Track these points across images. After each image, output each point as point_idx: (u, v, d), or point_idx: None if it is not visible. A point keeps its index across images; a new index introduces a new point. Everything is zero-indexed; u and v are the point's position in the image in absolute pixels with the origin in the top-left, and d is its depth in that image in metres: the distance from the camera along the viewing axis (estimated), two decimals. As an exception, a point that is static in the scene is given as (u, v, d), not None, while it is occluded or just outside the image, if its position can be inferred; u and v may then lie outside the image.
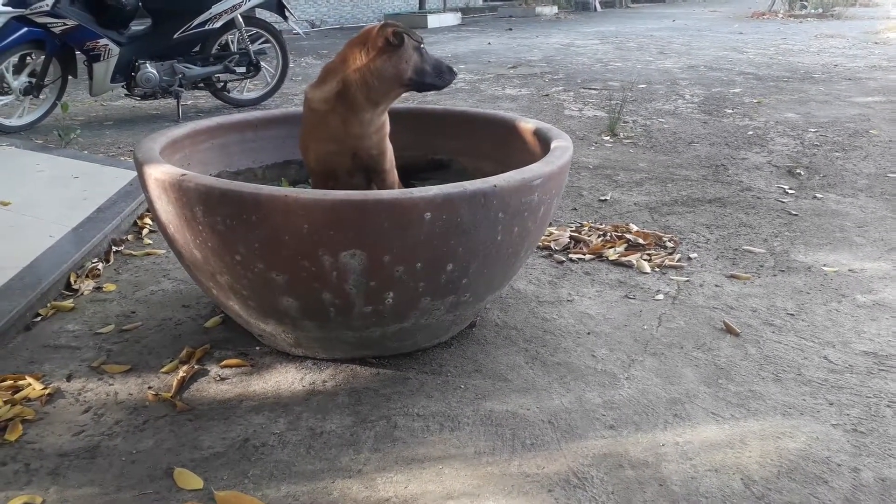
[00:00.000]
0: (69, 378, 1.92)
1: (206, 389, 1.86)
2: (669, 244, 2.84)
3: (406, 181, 2.66)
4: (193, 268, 1.88)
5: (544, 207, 1.90)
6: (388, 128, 2.17)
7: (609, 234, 2.92)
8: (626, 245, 2.81)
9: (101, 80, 5.19)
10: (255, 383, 1.89)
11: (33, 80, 5.05)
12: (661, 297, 2.40)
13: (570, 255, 2.74)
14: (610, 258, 2.71)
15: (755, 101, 5.97)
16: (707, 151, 4.39)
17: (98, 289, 2.46)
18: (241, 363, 1.98)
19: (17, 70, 5.02)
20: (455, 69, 2.08)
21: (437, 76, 2.03)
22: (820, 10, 15.94)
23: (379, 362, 1.97)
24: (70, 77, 5.25)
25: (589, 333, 2.15)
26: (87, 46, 5.03)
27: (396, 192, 1.64)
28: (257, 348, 2.06)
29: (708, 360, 2.01)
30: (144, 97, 5.39)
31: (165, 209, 1.78)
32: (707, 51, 9.47)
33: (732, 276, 2.56)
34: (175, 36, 5.34)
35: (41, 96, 5.16)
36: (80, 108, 5.85)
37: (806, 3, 16.52)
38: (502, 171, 2.55)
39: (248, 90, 6.08)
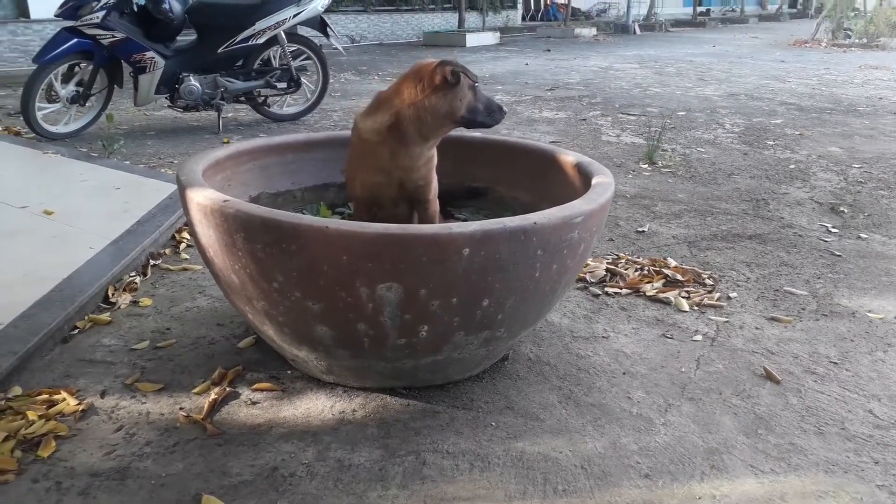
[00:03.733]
0: (103, 395, 1.93)
1: (237, 413, 1.86)
2: (708, 282, 2.79)
3: (442, 208, 2.66)
4: (230, 291, 1.89)
5: (584, 245, 1.87)
6: (435, 160, 2.18)
7: (646, 268, 2.87)
8: (663, 280, 2.77)
9: (145, 91, 5.30)
10: (286, 409, 1.88)
11: (80, 90, 5.17)
12: (699, 337, 2.35)
13: (607, 289, 2.70)
14: (647, 294, 2.66)
15: (797, 133, 5.87)
16: (747, 184, 4.32)
17: (135, 303, 2.49)
18: (272, 387, 1.97)
19: (66, 79, 5.15)
20: (504, 108, 2.07)
21: (489, 115, 2.03)
22: (864, 40, 15.69)
23: (409, 393, 1.95)
24: (116, 87, 5.37)
25: (624, 373, 2.11)
26: (133, 58, 5.14)
27: (436, 228, 1.63)
28: (289, 372, 2.05)
29: (747, 408, 1.95)
30: (186, 109, 5.49)
31: (206, 233, 1.79)
32: (748, 79, 9.37)
33: (773, 319, 2.50)
34: (219, 50, 5.44)
35: (87, 105, 5.28)
36: (124, 118, 5.97)
37: (850, 32, 16.29)
38: (539, 203, 2.54)
39: (289, 105, 6.15)
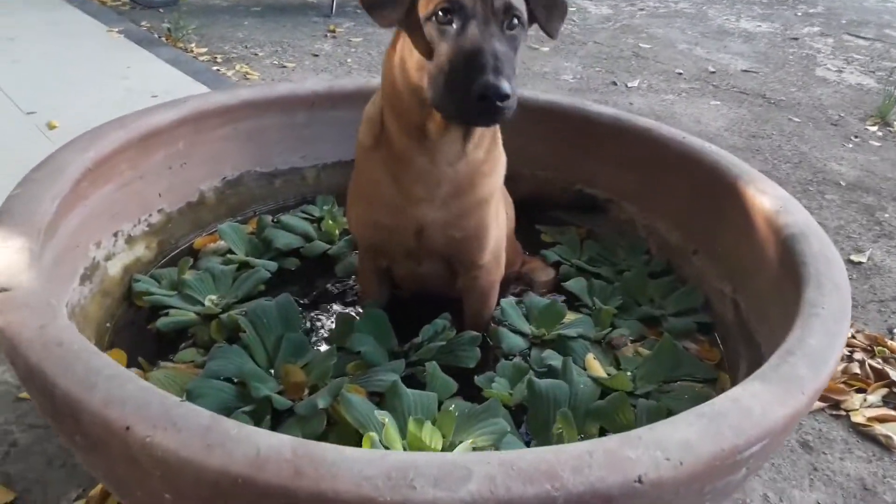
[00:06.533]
0: None
1: None
2: (967, 402, 1.63)
3: (528, 219, 1.65)
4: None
5: (753, 475, 0.85)
6: (498, 178, 1.15)
7: (859, 354, 1.75)
8: (886, 390, 1.65)
9: None
10: None
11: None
12: (946, 561, 1.28)
13: (783, 392, 1.63)
14: (852, 416, 1.57)
15: None
16: None
17: None
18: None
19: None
20: (509, 102, 0.90)
21: (458, 105, 0.89)
22: None
23: None
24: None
25: None
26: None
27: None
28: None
29: None
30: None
31: None
32: None
33: None
34: None
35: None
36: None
37: None
38: (691, 253, 1.48)
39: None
